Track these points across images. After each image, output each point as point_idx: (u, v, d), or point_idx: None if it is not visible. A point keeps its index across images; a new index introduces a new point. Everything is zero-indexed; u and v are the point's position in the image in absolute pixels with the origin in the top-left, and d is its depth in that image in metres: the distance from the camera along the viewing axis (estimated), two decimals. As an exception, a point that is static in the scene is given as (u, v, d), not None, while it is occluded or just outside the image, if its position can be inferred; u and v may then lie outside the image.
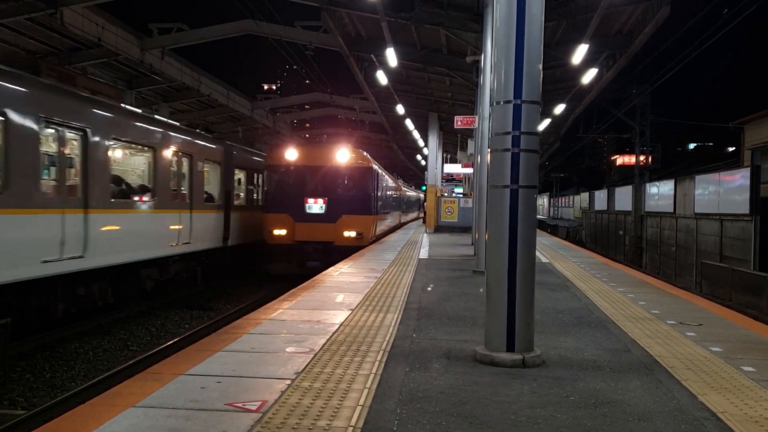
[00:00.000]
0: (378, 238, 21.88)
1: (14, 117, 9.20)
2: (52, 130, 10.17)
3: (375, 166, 20.18)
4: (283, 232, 17.90)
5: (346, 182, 18.78)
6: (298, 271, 16.92)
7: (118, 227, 11.84)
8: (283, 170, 18.72)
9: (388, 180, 27.57)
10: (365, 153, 19.81)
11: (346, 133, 42.55)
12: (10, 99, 9.18)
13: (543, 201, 76.86)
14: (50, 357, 10.28)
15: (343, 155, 18.55)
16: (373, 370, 5.07)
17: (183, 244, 14.76)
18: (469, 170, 27.17)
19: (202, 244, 16.07)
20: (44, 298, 10.34)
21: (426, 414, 4.12)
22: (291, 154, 18.51)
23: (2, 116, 9.01)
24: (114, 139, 11.85)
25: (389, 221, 27.90)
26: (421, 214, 54.01)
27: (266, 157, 19.68)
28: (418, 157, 54.07)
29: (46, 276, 9.93)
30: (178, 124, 16.08)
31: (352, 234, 17.98)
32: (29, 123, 9.54)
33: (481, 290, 8.83)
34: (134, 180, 13.98)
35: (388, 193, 27.33)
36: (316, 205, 17.99)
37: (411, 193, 49.93)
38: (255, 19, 21.03)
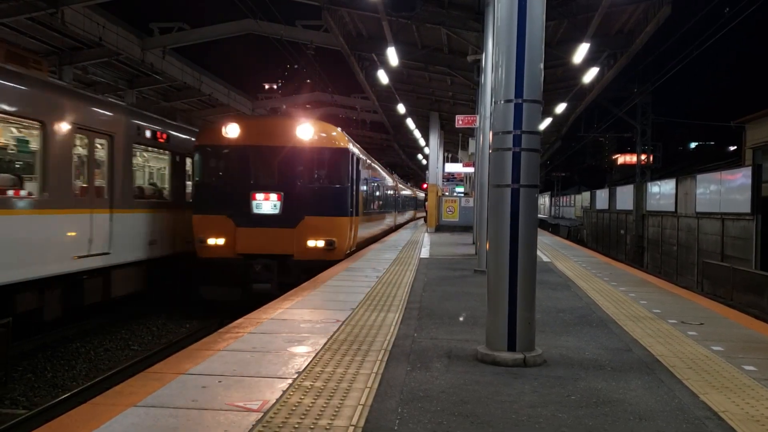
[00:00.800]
0: (360, 247, 16.71)
1: (175, 154, 14.71)
2: (183, 159, 15.14)
3: (353, 148, 15.16)
4: (219, 241, 13.10)
5: (310, 170, 13.90)
6: (241, 298, 12.63)
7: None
8: (221, 153, 13.86)
9: (375, 169, 22.13)
10: (339, 130, 14.52)
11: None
12: (174, 143, 14.57)
13: (544, 200, 76.94)
14: (51, 357, 10.30)
15: (306, 132, 13.45)
16: (375, 370, 5.07)
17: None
18: (470, 169, 27.19)
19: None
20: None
21: (427, 413, 4.12)
22: (231, 130, 13.46)
23: (172, 154, 14.56)
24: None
25: (378, 224, 22.40)
26: (418, 215, 53.56)
27: (197, 135, 14.31)
28: (419, 156, 54.09)
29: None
30: None
31: (320, 243, 13.15)
32: (179, 157, 14.92)
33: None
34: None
35: (376, 187, 22.11)
36: (267, 203, 13.15)
37: (406, 191, 43.64)
38: (256, 18, 21.04)
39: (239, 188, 13.35)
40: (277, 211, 13.17)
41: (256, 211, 13.17)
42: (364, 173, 17.54)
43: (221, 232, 13.13)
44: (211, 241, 13.16)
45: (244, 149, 13.55)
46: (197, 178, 13.91)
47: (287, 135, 13.54)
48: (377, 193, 22.53)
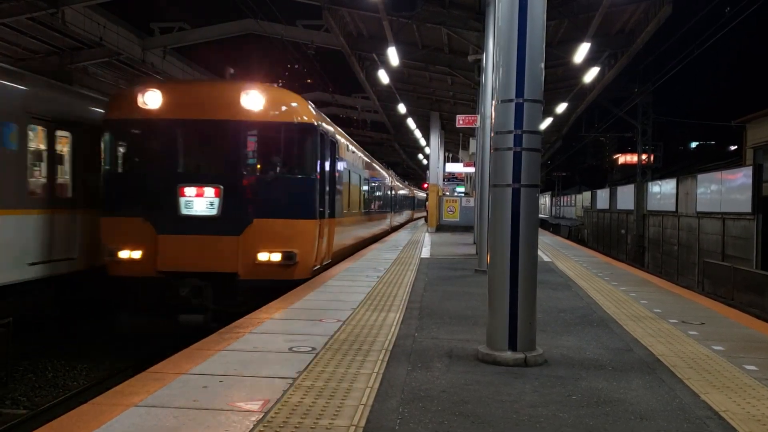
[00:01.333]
0: (338, 259, 13.19)
1: None
2: None
3: (324, 126, 11.42)
4: (134, 254, 9.69)
5: (262, 154, 10.58)
6: (164, 331, 9.55)
7: None
8: (137, 131, 10.40)
9: (360, 158, 17.80)
10: (303, 100, 10.87)
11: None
12: None
13: (545, 200, 76.92)
14: (52, 356, 10.29)
15: (254, 101, 9.96)
16: (375, 369, 5.07)
17: None
18: (471, 169, 27.19)
19: None
20: None
21: (428, 413, 4.12)
22: (151, 99, 9.98)
23: None
24: None
25: (365, 228, 18.43)
26: (416, 215, 53.20)
27: (106, 106, 10.62)
28: (420, 156, 54.14)
29: None
30: None
31: (275, 257, 9.78)
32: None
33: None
34: None
35: (363, 180, 17.97)
36: (200, 201, 9.66)
37: (403, 190, 38.96)
38: (257, 18, 21.03)
39: (162, 180, 9.84)
40: (214, 212, 9.66)
41: (185, 211, 9.64)
42: (344, 161, 13.91)
43: (137, 242, 9.67)
44: (124, 254, 9.69)
45: (168, 125, 10.01)
46: (106, 166, 10.27)
47: (229, 105, 10.00)
48: (365, 189, 18.53)
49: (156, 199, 9.80)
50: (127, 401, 4.20)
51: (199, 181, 9.80)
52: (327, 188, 11.36)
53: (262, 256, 9.76)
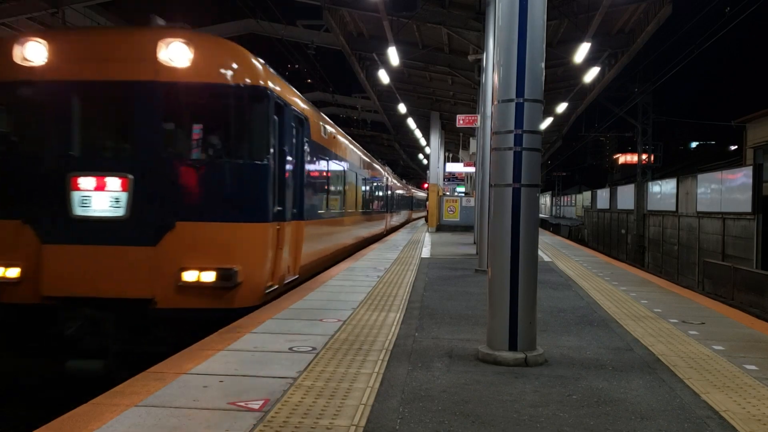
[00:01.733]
0: (309, 273, 10.47)
1: None
2: None
3: (279, 91, 8.23)
4: (11, 272, 7.07)
5: (188, 131, 7.71)
6: (46, 381, 7.19)
7: None
8: (14, 98, 7.54)
9: (341, 143, 14.00)
10: (252, 57, 7.78)
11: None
12: None
13: (545, 200, 77.01)
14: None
15: (177, 55, 7.14)
16: (376, 369, 5.07)
17: None
18: (471, 169, 27.22)
19: None
20: None
21: (428, 413, 4.12)
22: (34, 53, 7.22)
23: None
24: None
25: (350, 232, 15.44)
26: (415, 215, 53.12)
27: None
28: (420, 156, 54.18)
29: None
30: None
31: (207, 276, 7.02)
32: None
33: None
34: None
35: (346, 173, 14.67)
36: (101, 197, 7.01)
37: (400, 189, 35.68)
38: (257, 18, 21.03)
39: (48, 167, 7.17)
40: (120, 212, 6.99)
41: (79, 211, 7.00)
42: (320, 147, 11.05)
43: (14, 254, 7.10)
44: None
45: (57, 90, 7.22)
46: None
47: (143, 62, 7.16)
48: (352, 184, 15.67)
49: (40, 195, 7.14)
50: (127, 401, 4.20)
51: (100, 168, 7.09)
52: (290, 180, 8.75)
53: (189, 276, 7.01)
